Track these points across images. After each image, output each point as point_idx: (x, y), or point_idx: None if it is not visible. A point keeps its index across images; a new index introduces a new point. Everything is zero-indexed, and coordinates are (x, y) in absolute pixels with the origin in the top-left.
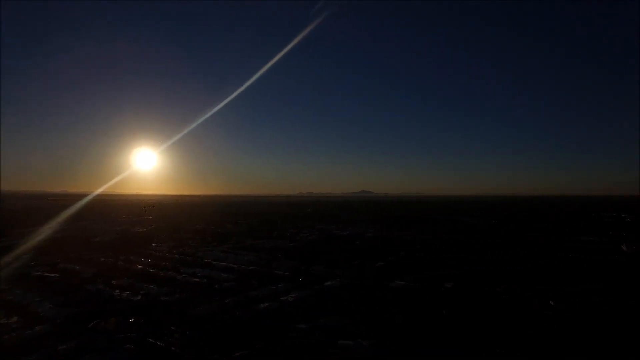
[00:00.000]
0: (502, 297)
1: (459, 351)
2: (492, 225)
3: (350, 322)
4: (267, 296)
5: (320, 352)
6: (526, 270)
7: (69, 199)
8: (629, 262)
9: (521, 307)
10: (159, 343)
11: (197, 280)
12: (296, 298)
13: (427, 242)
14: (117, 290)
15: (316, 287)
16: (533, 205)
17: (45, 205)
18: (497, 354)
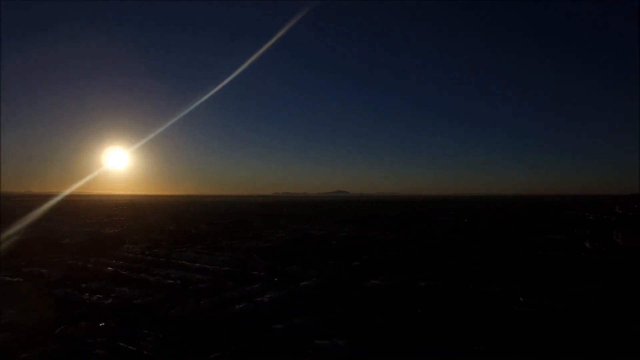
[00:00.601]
0: (474, 295)
1: (433, 350)
2: (465, 224)
3: (326, 322)
4: (243, 297)
5: (296, 352)
6: (497, 267)
7: (34, 199)
8: (590, 257)
9: (492, 303)
10: (131, 347)
11: (171, 281)
12: (272, 298)
13: (401, 241)
14: (87, 294)
15: (292, 287)
16: (506, 204)
17: (10, 206)
18: (472, 352)
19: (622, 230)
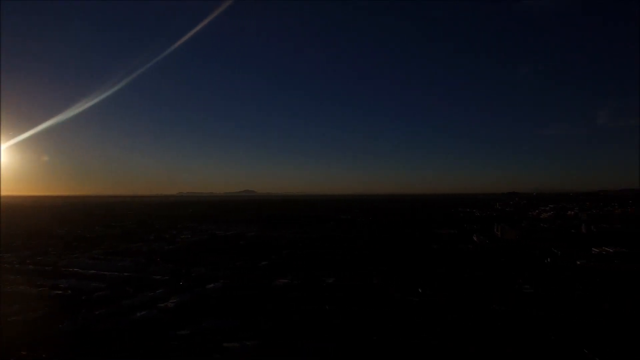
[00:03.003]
0: (377, 290)
1: (341, 345)
2: (368, 222)
3: (234, 324)
4: (145, 303)
5: (204, 356)
6: (398, 262)
7: None
8: (477, 249)
9: (392, 296)
10: None
11: (60, 292)
12: (177, 303)
13: (309, 240)
14: None
15: (198, 290)
16: (405, 203)
17: None
18: (373, 343)
19: (501, 224)
